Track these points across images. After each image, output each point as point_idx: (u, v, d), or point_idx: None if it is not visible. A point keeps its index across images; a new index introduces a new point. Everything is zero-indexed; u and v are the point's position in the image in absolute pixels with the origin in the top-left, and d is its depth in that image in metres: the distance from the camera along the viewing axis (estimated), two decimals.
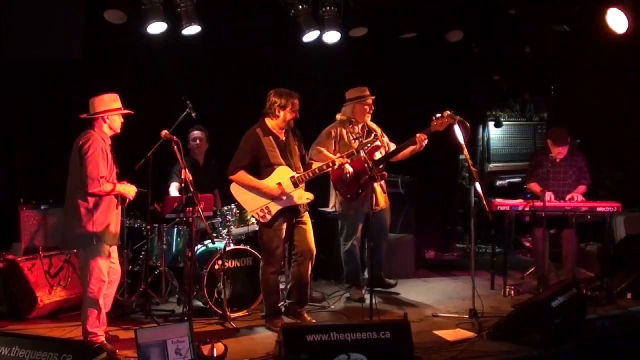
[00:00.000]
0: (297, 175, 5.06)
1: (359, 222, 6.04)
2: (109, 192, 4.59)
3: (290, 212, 5.12)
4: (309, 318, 5.26)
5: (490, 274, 6.46)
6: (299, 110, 5.14)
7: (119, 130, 4.76)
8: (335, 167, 5.19)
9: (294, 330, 4.19)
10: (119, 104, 4.72)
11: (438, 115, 5.22)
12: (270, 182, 5.03)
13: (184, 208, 5.05)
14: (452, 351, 4.54)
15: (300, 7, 6.42)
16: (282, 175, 5.04)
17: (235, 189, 5.16)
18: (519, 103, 8.79)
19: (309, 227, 5.24)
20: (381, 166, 5.80)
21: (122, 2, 5.92)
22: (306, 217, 5.24)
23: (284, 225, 5.12)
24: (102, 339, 4.62)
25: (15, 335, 4.11)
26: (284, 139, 5.16)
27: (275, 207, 5.04)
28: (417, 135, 5.55)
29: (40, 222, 5.71)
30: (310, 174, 5.09)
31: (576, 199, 6.12)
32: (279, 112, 5.07)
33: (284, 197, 5.00)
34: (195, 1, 6.00)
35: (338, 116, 5.66)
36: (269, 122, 5.13)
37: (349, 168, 5.46)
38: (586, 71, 7.65)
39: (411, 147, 5.71)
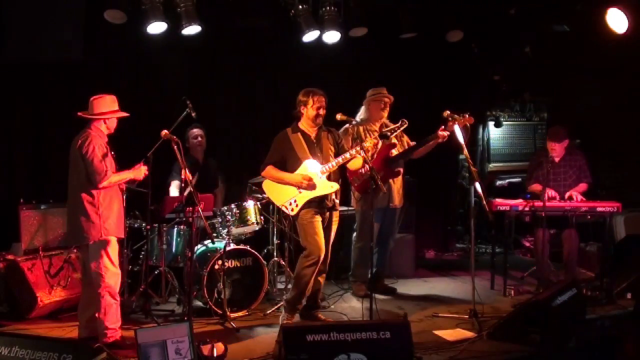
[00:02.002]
0: (322, 167, 5.10)
1: (372, 218, 6.07)
2: (118, 182, 4.71)
3: (320, 206, 5.11)
4: (323, 318, 5.26)
5: (490, 274, 6.46)
6: (324, 107, 5.15)
7: (113, 131, 4.83)
8: (362, 154, 5.12)
9: (294, 330, 4.19)
10: (117, 106, 4.80)
11: (456, 116, 5.27)
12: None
13: (184, 208, 5.06)
14: (452, 351, 4.54)
15: (300, 7, 6.43)
16: (308, 168, 5.09)
17: (266, 186, 5.28)
18: (519, 103, 8.79)
19: (331, 235, 5.25)
20: (399, 163, 5.92)
21: (122, 2, 5.93)
22: (335, 220, 5.26)
23: (317, 217, 5.10)
24: (121, 333, 4.65)
25: (15, 335, 4.11)
26: (314, 136, 5.20)
27: (302, 199, 5.07)
28: (439, 132, 5.63)
29: (40, 222, 5.71)
30: (334, 164, 5.11)
31: (575, 197, 6.11)
32: (302, 109, 5.17)
33: (306, 183, 5.00)
34: (195, 1, 6.01)
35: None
36: (301, 122, 5.23)
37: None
38: (586, 71, 7.65)
39: (434, 141, 5.77)
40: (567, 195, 6.15)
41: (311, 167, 5.10)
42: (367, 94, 6.13)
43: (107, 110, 4.71)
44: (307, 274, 5.07)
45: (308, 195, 5.07)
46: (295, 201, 5.10)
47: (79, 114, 4.71)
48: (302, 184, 5.03)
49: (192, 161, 6.22)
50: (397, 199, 6.14)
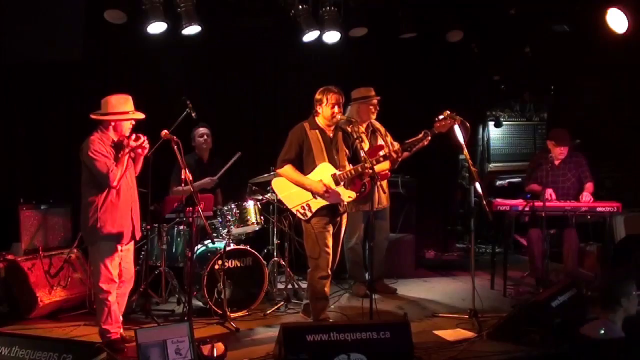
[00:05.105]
0: (339, 173, 5.00)
1: (361, 220, 6.13)
2: (123, 168, 4.56)
3: (331, 212, 5.04)
4: (328, 318, 5.20)
5: (490, 274, 6.46)
6: (340, 105, 5.07)
7: (126, 134, 4.67)
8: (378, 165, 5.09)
9: (294, 330, 4.19)
10: (128, 107, 4.66)
11: (441, 117, 5.19)
12: (313, 178, 4.98)
13: (184, 208, 5.05)
14: (452, 351, 4.54)
15: (300, 7, 6.43)
16: (324, 172, 4.99)
17: (277, 184, 5.13)
18: (519, 103, 8.79)
19: (339, 238, 5.20)
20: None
21: (122, 2, 5.93)
22: (344, 222, 5.22)
23: (329, 227, 5.03)
24: (117, 336, 4.66)
25: (15, 335, 4.12)
26: (331, 135, 5.11)
27: (316, 205, 4.97)
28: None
29: (40, 222, 5.72)
30: (353, 172, 5.00)
31: (585, 197, 6.11)
32: (318, 107, 5.08)
33: (327, 195, 4.92)
34: (195, 1, 6.00)
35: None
36: (317, 119, 5.13)
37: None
38: (586, 71, 7.65)
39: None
40: (581, 197, 6.15)
41: (326, 171, 4.99)
42: (353, 93, 6.04)
43: (112, 111, 4.61)
44: (321, 284, 5.03)
45: (323, 201, 4.96)
46: (308, 206, 4.97)
47: (91, 115, 4.65)
48: (324, 195, 4.90)
49: (195, 160, 6.23)
50: (385, 200, 6.15)
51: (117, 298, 4.76)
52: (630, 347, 3.90)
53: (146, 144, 4.70)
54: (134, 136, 4.64)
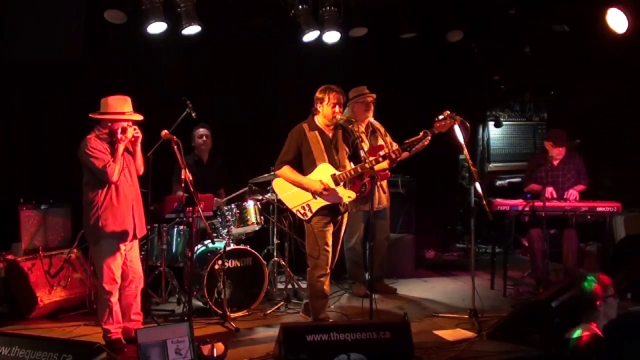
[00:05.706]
0: (339, 173, 4.99)
1: (361, 220, 6.13)
2: (119, 162, 4.57)
3: (332, 211, 5.04)
4: (328, 317, 5.19)
5: (490, 274, 6.46)
6: (341, 105, 5.06)
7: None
8: (378, 164, 5.08)
9: (294, 330, 4.19)
10: (126, 108, 4.67)
11: (441, 117, 5.18)
12: (312, 178, 4.97)
13: (184, 208, 5.06)
14: (452, 351, 4.54)
15: (300, 7, 6.43)
16: (323, 173, 4.97)
17: (277, 185, 5.14)
18: (519, 103, 8.79)
19: (339, 236, 5.20)
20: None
21: (122, 2, 5.93)
22: (344, 221, 5.22)
23: (330, 227, 5.03)
24: (118, 336, 4.67)
25: (15, 335, 4.11)
26: (330, 135, 5.09)
27: (316, 205, 4.97)
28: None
29: (40, 222, 5.72)
30: (353, 172, 5.00)
31: (571, 196, 6.12)
32: (319, 106, 5.05)
33: (326, 193, 4.91)
34: (195, 1, 6.00)
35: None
36: (317, 119, 5.10)
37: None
38: (586, 71, 7.65)
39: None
40: (566, 194, 6.16)
41: (325, 171, 4.98)
42: (349, 94, 6.02)
43: (109, 111, 4.62)
44: (320, 283, 5.03)
45: (323, 201, 4.96)
46: (309, 206, 4.98)
47: (91, 115, 4.65)
48: (322, 193, 4.90)
49: (194, 160, 6.23)
50: (385, 200, 6.16)
51: (128, 299, 4.80)
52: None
53: (138, 133, 4.69)
54: (120, 129, 4.61)
